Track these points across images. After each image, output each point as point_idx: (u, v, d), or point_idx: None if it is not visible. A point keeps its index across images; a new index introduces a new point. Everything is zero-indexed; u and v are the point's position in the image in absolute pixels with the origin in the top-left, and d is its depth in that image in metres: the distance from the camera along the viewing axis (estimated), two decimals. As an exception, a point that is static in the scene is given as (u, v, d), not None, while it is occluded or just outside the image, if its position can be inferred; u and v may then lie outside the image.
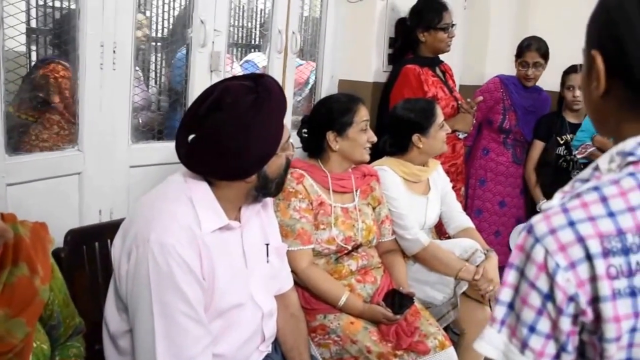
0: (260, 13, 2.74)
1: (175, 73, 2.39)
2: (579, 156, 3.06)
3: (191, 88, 2.25)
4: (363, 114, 2.24)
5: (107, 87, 1.98)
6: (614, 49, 0.86)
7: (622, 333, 0.81)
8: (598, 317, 0.82)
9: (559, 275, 0.81)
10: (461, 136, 3.11)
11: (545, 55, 3.33)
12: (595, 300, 0.81)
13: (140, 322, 1.45)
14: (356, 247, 2.25)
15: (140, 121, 2.21)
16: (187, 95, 2.27)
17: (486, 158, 3.51)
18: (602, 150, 2.94)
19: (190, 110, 1.58)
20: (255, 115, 1.50)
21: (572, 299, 0.82)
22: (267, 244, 1.77)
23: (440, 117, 2.55)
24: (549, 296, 0.83)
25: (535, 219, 0.86)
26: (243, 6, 2.53)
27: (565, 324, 0.83)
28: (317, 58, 2.93)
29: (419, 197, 2.59)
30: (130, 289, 1.46)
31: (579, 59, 3.17)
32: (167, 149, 2.11)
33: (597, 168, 0.90)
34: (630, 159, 0.86)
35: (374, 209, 2.38)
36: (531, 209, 3.57)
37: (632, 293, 0.81)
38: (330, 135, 2.21)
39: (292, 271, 1.99)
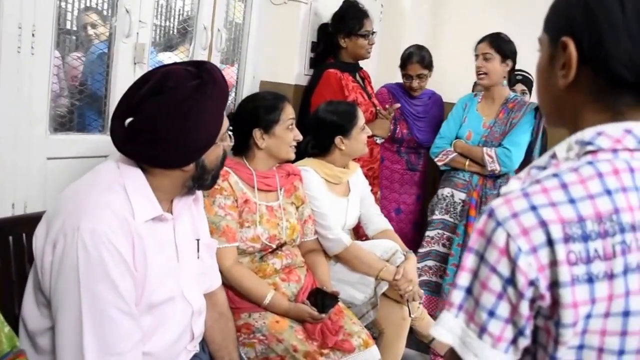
0: (179, 12, 2.67)
1: (88, 66, 2.27)
2: (440, 163, 3.12)
3: (113, 80, 2.15)
4: (289, 112, 2.26)
5: (25, 73, 1.86)
6: (590, 37, 0.85)
7: (578, 319, 0.82)
8: (555, 302, 0.82)
9: (521, 259, 0.81)
10: (379, 141, 3.17)
11: (428, 65, 3.33)
12: (553, 285, 0.82)
13: (66, 316, 1.36)
14: (280, 246, 2.24)
15: (59, 111, 2.08)
16: (108, 87, 2.18)
17: (381, 166, 3.47)
18: (463, 155, 3.05)
19: (128, 93, 1.51)
20: (198, 101, 1.46)
21: (532, 283, 0.82)
22: (198, 240, 1.73)
23: (361, 119, 2.60)
24: (510, 280, 0.82)
25: (495, 203, 0.86)
26: (162, 4, 2.46)
27: (525, 308, 0.83)
28: (239, 58, 2.90)
29: (339, 198, 2.63)
30: (55, 280, 1.37)
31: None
32: (88, 141, 2.02)
33: (554, 156, 0.90)
34: (589, 148, 0.87)
35: (297, 208, 2.38)
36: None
37: (590, 280, 0.82)
38: (257, 133, 2.20)
39: (217, 269, 1.96)
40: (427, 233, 3.19)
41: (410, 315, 2.56)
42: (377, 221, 2.77)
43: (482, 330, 0.86)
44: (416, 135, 3.41)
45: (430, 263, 3.17)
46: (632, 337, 0.85)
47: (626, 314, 0.84)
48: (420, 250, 3.17)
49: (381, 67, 3.94)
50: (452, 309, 0.88)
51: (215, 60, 2.63)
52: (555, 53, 0.91)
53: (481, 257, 0.85)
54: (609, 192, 0.83)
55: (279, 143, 2.23)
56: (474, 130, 3.05)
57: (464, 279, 0.87)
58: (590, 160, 0.86)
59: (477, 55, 3.00)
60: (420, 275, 3.12)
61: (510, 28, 3.32)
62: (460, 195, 3.07)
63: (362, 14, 3.03)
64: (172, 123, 1.44)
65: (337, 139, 2.55)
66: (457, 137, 3.10)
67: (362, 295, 2.48)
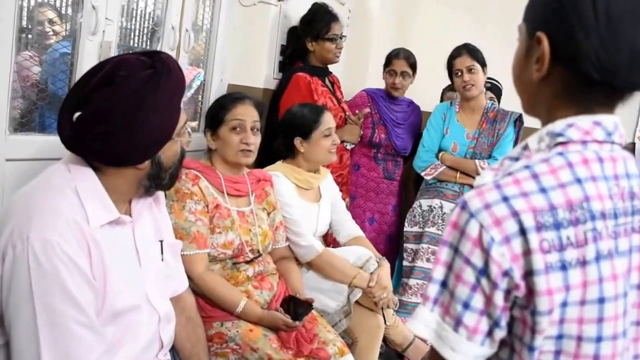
0: (141, 14, 2.57)
1: (50, 64, 2.15)
2: (428, 177, 3.10)
3: (77, 79, 2.04)
4: (238, 112, 2.15)
5: (-18, 68, 1.75)
6: (563, 35, 0.87)
7: (554, 306, 0.83)
8: (530, 291, 0.84)
9: (494, 249, 0.83)
10: (348, 147, 3.13)
11: (413, 66, 3.32)
12: (528, 274, 0.83)
13: (21, 333, 1.27)
14: (257, 256, 2.16)
15: (18, 111, 1.96)
16: (71, 86, 2.06)
17: (357, 174, 3.43)
18: (453, 169, 3.06)
19: (76, 86, 1.43)
20: (152, 91, 1.38)
21: (506, 273, 0.83)
22: (162, 241, 1.65)
23: (325, 124, 2.51)
24: (484, 271, 0.84)
25: (468, 195, 0.87)
26: (128, 4, 2.35)
27: (499, 298, 0.84)
28: (206, 61, 2.82)
29: (310, 204, 2.57)
30: (6, 295, 1.28)
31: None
32: (49, 142, 1.91)
33: (526, 147, 0.93)
34: (560, 139, 0.89)
35: (268, 214, 2.32)
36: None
37: (563, 267, 0.84)
38: (208, 134, 2.17)
39: (188, 277, 1.87)
40: (410, 246, 3.14)
41: (385, 323, 2.52)
42: (349, 227, 2.73)
43: (457, 323, 0.86)
44: (394, 141, 3.37)
45: (412, 282, 3.10)
46: (608, 323, 0.87)
47: (601, 300, 0.86)
48: (405, 264, 3.13)
49: (348, 72, 3.91)
50: (427, 303, 0.89)
51: (183, 62, 2.55)
52: (531, 45, 0.92)
53: (455, 250, 0.86)
54: (579, 181, 0.86)
55: (224, 146, 2.16)
56: (458, 142, 3.06)
57: (438, 272, 0.88)
58: (560, 151, 0.89)
59: (459, 70, 3.00)
60: (403, 294, 3.09)
61: (478, 35, 3.35)
62: (450, 206, 3.03)
63: (330, 17, 2.98)
64: (123, 116, 1.36)
65: (296, 141, 2.49)
66: (440, 149, 3.09)
67: (334, 303, 2.43)
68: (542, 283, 0.82)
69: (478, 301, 0.85)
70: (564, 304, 0.84)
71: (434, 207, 3.09)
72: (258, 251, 2.17)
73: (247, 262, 2.15)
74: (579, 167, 0.87)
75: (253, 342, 1.98)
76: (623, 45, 0.85)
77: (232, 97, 2.22)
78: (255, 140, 2.17)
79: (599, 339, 0.87)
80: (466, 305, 0.85)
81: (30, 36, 2.04)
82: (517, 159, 0.92)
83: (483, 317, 0.86)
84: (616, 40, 0.85)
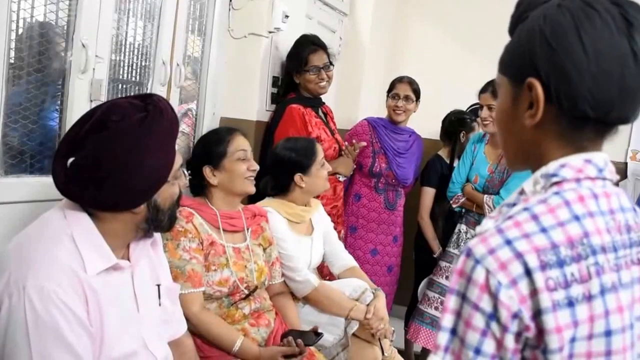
0: (130, 47, 2.55)
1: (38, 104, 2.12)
2: (454, 206, 3.20)
3: (68, 118, 2.03)
4: (239, 144, 2.18)
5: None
6: (557, 77, 0.89)
7: (564, 343, 0.85)
8: (540, 331, 0.85)
9: (502, 293, 0.84)
10: (341, 179, 3.10)
11: (416, 91, 3.35)
12: (537, 314, 0.84)
13: None
14: (252, 291, 2.14)
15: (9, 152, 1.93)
16: (63, 125, 2.05)
17: (358, 204, 3.41)
18: (470, 200, 3.13)
19: (70, 132, 1.43)
20: (144, 134, 1.38)
21: (516, 315, 0.84)
22: (159, 285, 1.63)
23: (320, 154, 2.54)
24: (493, 315, 0.85)
25: (472, 242, 0.89)
26: (120, 39, 2.35)
27: (510, 341, 0.85)
28: (197, 94, 2.81)
29: (303, 238, 2.56)
30: (1, 345, 1.26)
31: (453, 105, 3.37)
32: (41, 184, 1.89)
33: (522, 192, 0.95)
34: (554, 179, 0.92)
35: (264, 249, 2.30)
36: (417, 257, 3.61)
37: (570, 303, 0.85)
38: (207, 170, 2.14)
39: (184, 316, 1.85)
40: (444, 264, 3.24)
41: (383, 354, 2.49)
42: (343, 258, 2.70)
43: None
44: (395, 170, 3.36)
45: (430, 294, 3.25)
46: (616, 355, 0.88)
47: (608, 333, 0.87)
48: (434, 278, 3.24)
49: (340, 100, 3.92)
50: (438, 352, 0.89)
51: (175, 97, 2.54)
52: (519, 94, 0.94)
53: (463, 297, 0.87)
54: (577, 218, 0.88)
55: (230, 177, 2.15)
56: (480, 174, 3.11)
57: (447, 320, 0.89)
58: (556, 190, 0.91)
59: (481, 105, 3.09)
60: (431, 306, 3.20)
61: (469, 61, 3.36)
62: (472, 232, 3.12)
63: (310, 49, 2.96)
64: (117, 160, 1.36)
65: (297, 177, 2.48)
66: (467, 178, 3.17)
67: (332, 336, 2.41)
68: (550, 321, 0.83)
69: (489, 346, 0.85)
70: (573, 340, 0.85)
71: (460, 232, 3.20)
72: (255, 287, 2.14)
73: (244, 300, 2.12)
74: (575, 204, 0.89)
75: (251, 381, 1.95)
76: (613, 82, 0.88)
77: (227, 130, 2.23)
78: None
79: None
80: (477, 351, 0.86)
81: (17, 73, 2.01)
82: (514, 204, 0.93)
83: None
84: (606, 78, 0.87)
